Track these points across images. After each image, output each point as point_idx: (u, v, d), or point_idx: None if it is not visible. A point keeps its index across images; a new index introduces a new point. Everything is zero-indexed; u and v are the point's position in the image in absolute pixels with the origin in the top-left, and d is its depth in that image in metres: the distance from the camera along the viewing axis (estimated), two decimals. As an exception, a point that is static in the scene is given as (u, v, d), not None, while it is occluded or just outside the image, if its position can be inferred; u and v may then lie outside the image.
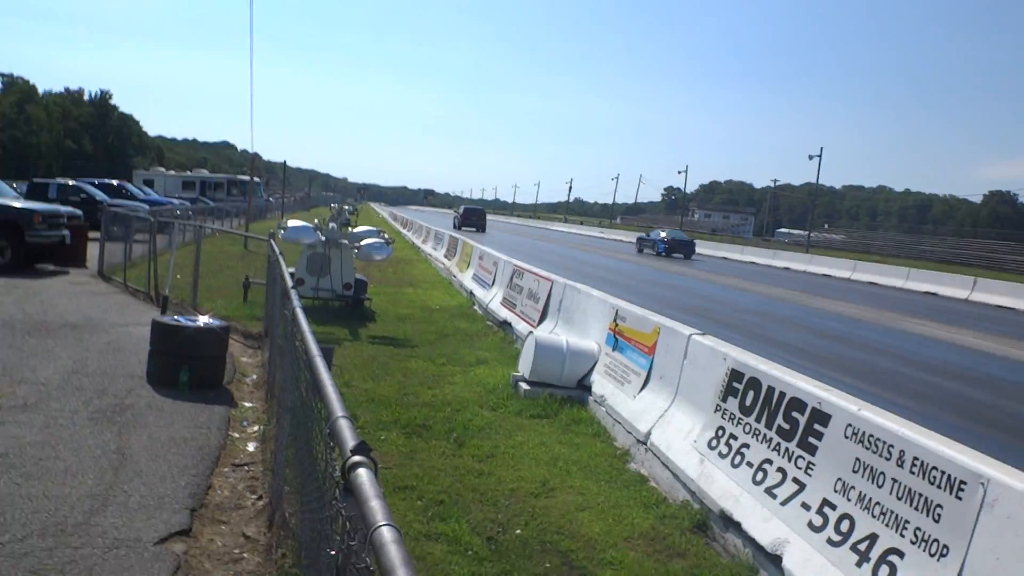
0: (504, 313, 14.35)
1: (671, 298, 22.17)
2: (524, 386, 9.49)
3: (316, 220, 21.00)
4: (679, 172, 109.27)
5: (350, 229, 18.39)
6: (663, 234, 50.23)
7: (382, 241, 14.63)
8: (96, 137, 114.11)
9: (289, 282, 6.62)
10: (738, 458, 6.11)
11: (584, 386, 9.39)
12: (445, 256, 26.39)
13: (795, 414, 5.67)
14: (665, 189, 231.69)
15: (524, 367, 9.85)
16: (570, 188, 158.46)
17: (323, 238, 14.38)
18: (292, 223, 14.42)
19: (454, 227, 58.43)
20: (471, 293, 18.17)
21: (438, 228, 33.87)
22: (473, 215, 65.52)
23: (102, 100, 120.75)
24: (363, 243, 14.50)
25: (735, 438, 6.27)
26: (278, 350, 6.82)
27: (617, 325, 9.40)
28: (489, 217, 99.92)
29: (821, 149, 79.83)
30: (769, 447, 5.82)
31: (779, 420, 5.81)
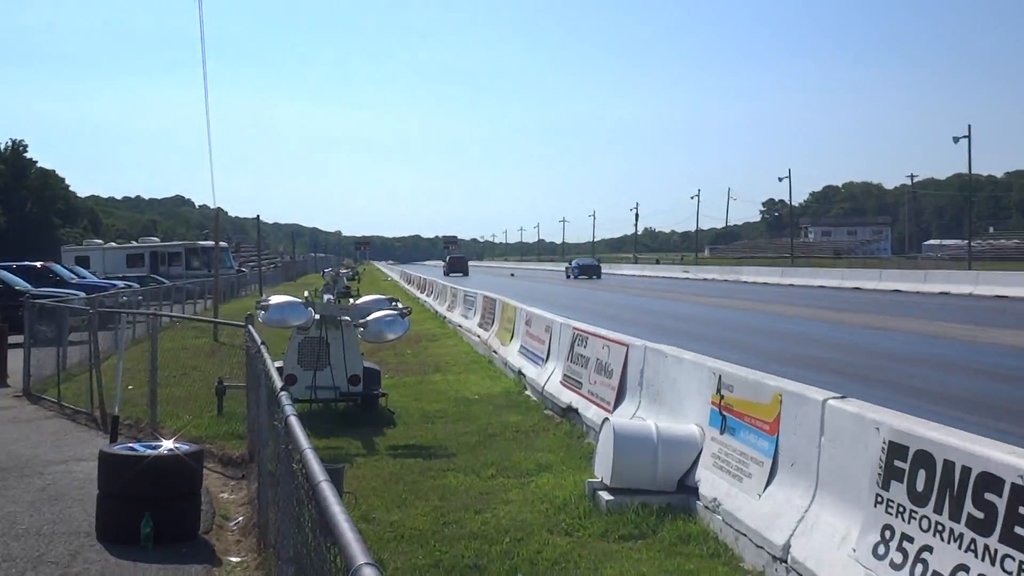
0: (567, 396, 14.37)
1: (789, 351, 22.01)
2: (605, 496, 9.50)
3: (306, 293, 21.29)
4: (780, 179, 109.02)
5: (352, 301, 18.60)
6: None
7: (395, 313, 14.81)
8: (9, 203, 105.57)
9: (277, 382, 6.70)
10: (920, 568, 5.96)
11: (687, 487, 9.37)
12: (480, 326, 26.62)
13: (989, 496, 5.56)
14: (764, 204, 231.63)
15: (602, 469, 9.76)
16: (636, 216, 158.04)
17: (317, 316, 14.61)
18: (275, 300, 14.68)
19: (444, 274, 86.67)
20: (519, 373, 18.34)
21: (467, 288, 34.10)
22: (457, 263, 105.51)
23: (14, 153, 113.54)
24: (371, 318, 14.69)
25: (910, 539, 6.11)
26: (269, 478, 6.81)
27: (723, 397, 9.30)
28: (527, 267, 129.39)
29: (969, 128, 78.43)
30: (961, 547, 5.68)
31: (968, 507, 5.69)
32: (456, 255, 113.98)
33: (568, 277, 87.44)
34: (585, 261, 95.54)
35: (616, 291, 55.42)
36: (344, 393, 14.71)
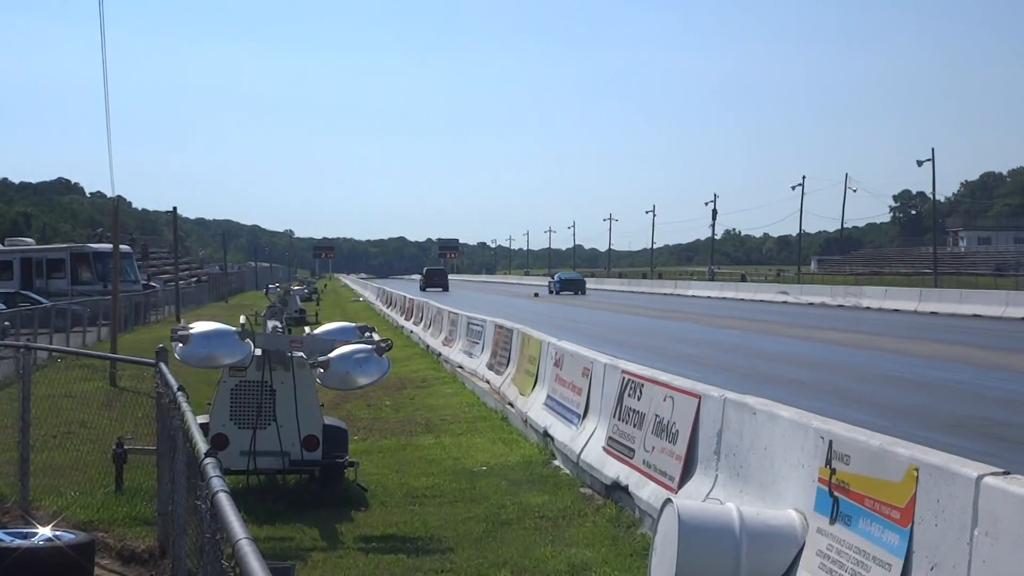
0: (613, 468, 14.31)
1: (928, 406, 21.90)
2: (666, 612, 9.44)
3: (243, 319, 21.10)
4: (919, 163, 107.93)
5: (308, 330, 18.54)
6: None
7: (369, 348, 14.74)
8: None
9: (201, 444, 6.75)
10: None
11: (783, 599, 9.28)
12: (490, 367, 26.48)
13: None
14: (896, 198, 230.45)
15: (662, 571, 9.68)
16: (714, 213, 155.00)
17: (257, 352, 14.59)
18: (198, 328, 14.59)
19: (421, 289, 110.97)
20: (546, 435, 18.27)
21: (470, 314, 34.12)
22: (435, 276, 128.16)
23: None
24: (335, 355, 14.62)
25: None
26: (189, 581, 6.82)
27: (834, 471, 9.22)
28: (529, 282, 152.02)
29: None
30: None
31: None
32: (434, 267, 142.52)
33: (550, 292, 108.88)
34: (568, 275, 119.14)
35: (659, 316, 55.29)
36: (296, 461, 14.63)
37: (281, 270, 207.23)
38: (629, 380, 15.00)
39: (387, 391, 24.96)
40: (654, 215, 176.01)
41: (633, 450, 13.98)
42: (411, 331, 47.40)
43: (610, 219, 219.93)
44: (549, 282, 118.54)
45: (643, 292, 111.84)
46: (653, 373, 14.77)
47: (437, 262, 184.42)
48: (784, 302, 79.95)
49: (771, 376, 26.97)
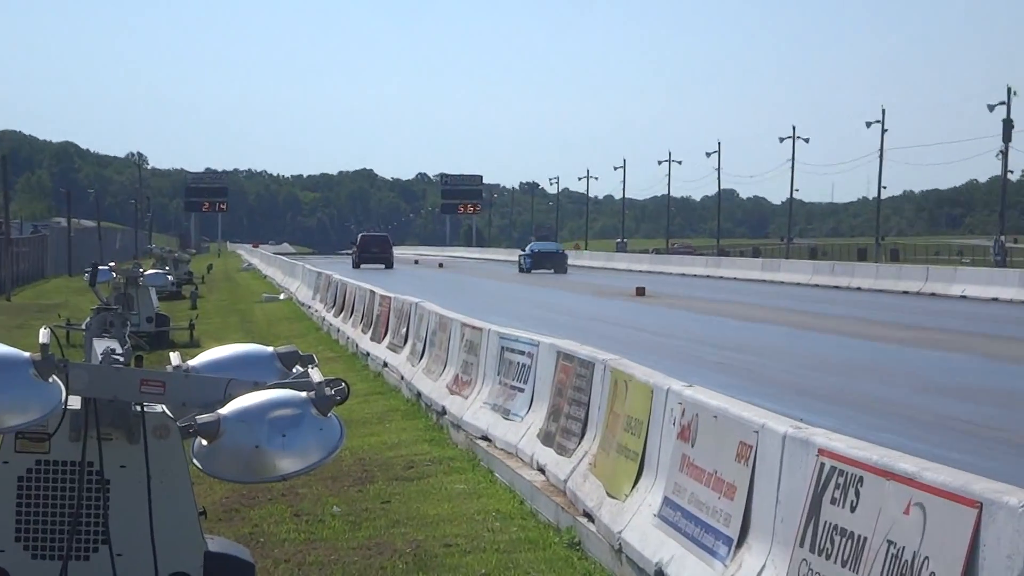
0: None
1: None
2: None
3: (44, 332, 14.47)
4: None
5: (175, 359, 12.62)
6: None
7: (301, 398, 10.17)
8: None
9: None
10: None
11: None
12: (546, 436, 18.17)
13: None
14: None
15: None
16: (881, 148, 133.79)
17: (71, 404, 10.29)
18: None
19: (353, 266, 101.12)
20: None
21: (506, 330, 22.20)
22: (373, 245, 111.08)
23: None
24: (230, 412, 10.10)
25: None
26: None
27: None
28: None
29: None
30: None
31: None
32: (374, 233, 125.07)
33: (521, 270, 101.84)
34: (543, 246, 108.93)
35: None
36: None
37: (120, 234, 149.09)
38: (832, 469, 10.59)
39: (336, 485, 17.95)
40: (624, 169, 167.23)
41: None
42: (384, 361, 31.96)
43: (669, 160, 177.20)
44: (519, 256, 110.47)
45: (738, 278, 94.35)
46: (888, 457, 10.05)
47: (439, 232, 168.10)
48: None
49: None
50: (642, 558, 13.29)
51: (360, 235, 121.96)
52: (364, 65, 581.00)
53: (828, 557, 10.30)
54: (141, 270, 40.52)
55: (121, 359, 10.12)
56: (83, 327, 18.85)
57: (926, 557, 8.96)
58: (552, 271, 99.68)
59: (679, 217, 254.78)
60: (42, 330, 10.73)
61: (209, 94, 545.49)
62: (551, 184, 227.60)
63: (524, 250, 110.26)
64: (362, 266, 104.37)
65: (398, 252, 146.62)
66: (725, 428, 12.63)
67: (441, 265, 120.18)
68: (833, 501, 10.38)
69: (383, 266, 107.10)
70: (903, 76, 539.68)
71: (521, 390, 19.90)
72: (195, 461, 9.75)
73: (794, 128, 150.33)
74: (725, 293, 71.29)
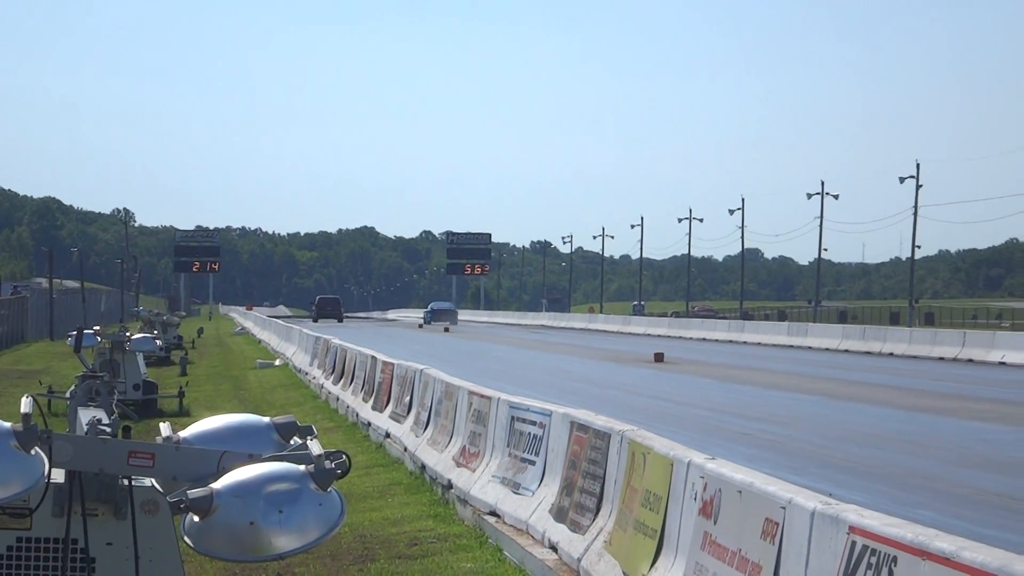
0: None
1: None
2: None
3: (26, 401, 14.20)
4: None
5: (165, 430, 13.11)
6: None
7: (300, 472, 9.88)
8: None
9: None
10: None
11: None
12: (559, 512, 16.75)
13: None
14: None
15: None
16: (916, 205, 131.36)
17: (55, 478, 10.04)
18: None
19: (313, 321, 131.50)
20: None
21: (515, 399, 22.81)
22: (328, 305, 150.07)
23: None
24: (224, 487, 9.85)
25: None
26: None
27: None
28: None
29: None
30: None
31: None
32: (328, 296, 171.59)
33: (423, 324, 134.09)
34: (438, 305, 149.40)
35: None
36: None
37: (105, 295, 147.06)
38: (864, 548, 10.05)
39: (336, 564, 17.41)
40: (642, 227, 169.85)
41: None
42: (386, 431, 31.54)
43: (690, 217, 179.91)
44: (424, 313, 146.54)
45: (762, 343, 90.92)
46: (924, 535, 9.47)
47: (444, 294, 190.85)
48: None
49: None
50: None
51: (318, 297, 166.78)
52: (364, 117, 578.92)
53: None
54: (128, 334, 39.74)
55: (108, 430, 9.80)
56: (67, 395, 18.64)
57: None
58: (448, 323, 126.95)
59: (700, 278, 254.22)
60: (24, 398, 10.51)
61: (200, 148, 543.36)
62: (564, 243, 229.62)
63: (427, 308, 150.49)
64: (319, 320, 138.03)
65: (401, 314, 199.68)
66: (750, 504, 12.22)
67: (447, 329, 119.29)
68: (867, 586, 9.93)
69: (336, 320, 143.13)
70: (938, 129, 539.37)
71: (532, 462, 19.45)
72: (186, 539, 9.48)
73: (823, 184, 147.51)
74: (749, 359, 70.19)
